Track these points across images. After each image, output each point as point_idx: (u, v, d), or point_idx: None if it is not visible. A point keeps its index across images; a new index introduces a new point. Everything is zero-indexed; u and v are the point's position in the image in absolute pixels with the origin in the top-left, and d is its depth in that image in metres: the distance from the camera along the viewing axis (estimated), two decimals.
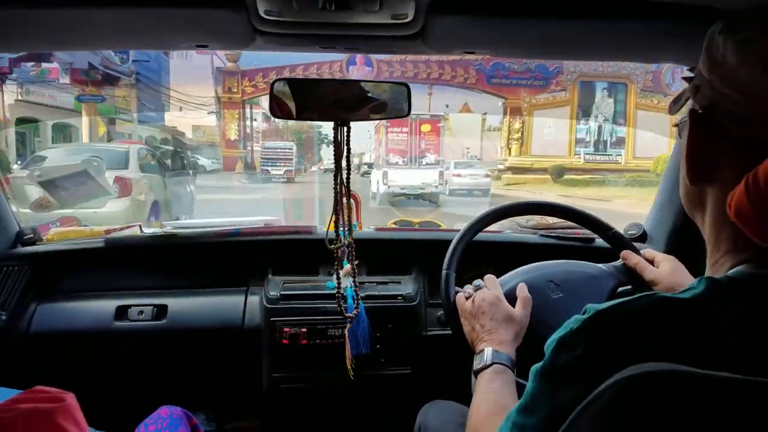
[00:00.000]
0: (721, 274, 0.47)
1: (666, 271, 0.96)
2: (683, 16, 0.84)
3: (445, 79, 15.70)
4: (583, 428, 0.39)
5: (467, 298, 0.94)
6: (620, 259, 1.06)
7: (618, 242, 1.11)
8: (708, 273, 0.51)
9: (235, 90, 16.12)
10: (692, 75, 0.50)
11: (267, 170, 13.91)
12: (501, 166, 17.11)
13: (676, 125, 0.56)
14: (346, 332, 1.25)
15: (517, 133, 16.80)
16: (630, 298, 0.46)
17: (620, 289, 1.03)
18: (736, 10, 0.48)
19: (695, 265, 1.40)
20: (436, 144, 12.49)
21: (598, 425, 0.38)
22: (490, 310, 0.89)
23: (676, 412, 0.35)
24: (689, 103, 0.51)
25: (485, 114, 19.53)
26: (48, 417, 0.55)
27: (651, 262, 1.01)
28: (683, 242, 1.41)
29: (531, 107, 16.27)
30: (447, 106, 18.75)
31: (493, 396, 0.75)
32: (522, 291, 0.94)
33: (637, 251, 1.05)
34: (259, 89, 16.13)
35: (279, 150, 14.18)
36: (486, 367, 0.80)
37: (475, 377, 0.81)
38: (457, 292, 1.00)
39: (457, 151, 16.78)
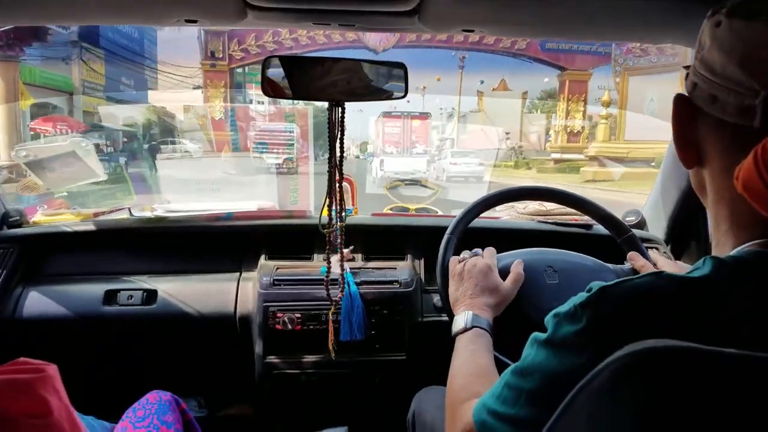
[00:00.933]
0: (725, 253, 0.47)
1: None
2: None
3: (487, 44, 12.66)
4: (582, 405, 0.38)
5: (460, 262, 0.96)
6: (628, 261, 1.04)
7: (631, 244, 1.08)
8: (713, 252, 0.51)
9: (220, 55, 12.39)
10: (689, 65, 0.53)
11: (260, 157, 10.95)
12: (556, 155, 13.80)
13: None
14: (330, 316, 1.25)
15: (606, 106, 12.87)
16: (636, 276, 0.46)
17: None
18: None
19: (694, 250, 1.40)
20: (424, 136, 14.42)
21: (599, 402, 0.37)
22: (478, 276, 0.90)
23: (679, 389, 0.34)
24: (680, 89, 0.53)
25: (525, 93, 17.28)
26: (27, 387, 0.55)
27: (654, 265, 1.00)
28: (681, 228, 1.40)
29: (625, 73, 12.44)
30: (482, 82, 17.20)
31: (475, 357, 0.76)
32: (516, 267, 0.95)
33: (646, 255, 1.03)
34: (251, 55, 12.41)
35: (277, 133, 11.28)
36: (466, 329, 0.82)
37: (454, 339, 0.83)
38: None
39: (492, 139, 14.93)
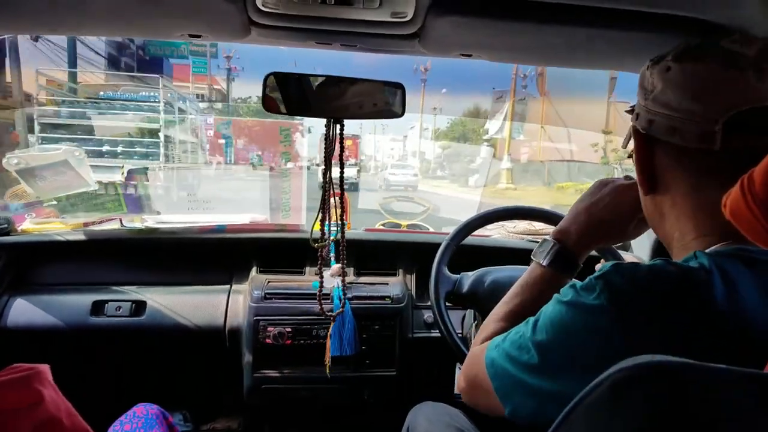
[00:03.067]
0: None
1: None
2: (677, 28, 0.85)
3: None
4: (580, 417, 0.39)
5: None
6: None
7: (612, 256, 1.11)
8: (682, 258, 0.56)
9: None
10: (632, 109, 0.61)
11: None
12: None
13: (630, 156, 0.64)
14: (329, 332, 1.25)
15: None
16: (648, 262, 0.51)
17: None
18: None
19: None
20: (355, 152, 17.81)
21: (597, 415, 0.38)
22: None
23: (678, 404, 0.35)
24: (633, 126, 0.60)
25: (614, 79, 11.46)
26: (21, 382, 0.56)
27: None
28: (664, 250, 1.44)
29: None
30: None
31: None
32: None
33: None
34: None
35: (115, 109, 5.01)
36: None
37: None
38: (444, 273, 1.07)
39: (568, 147, 11.09)
